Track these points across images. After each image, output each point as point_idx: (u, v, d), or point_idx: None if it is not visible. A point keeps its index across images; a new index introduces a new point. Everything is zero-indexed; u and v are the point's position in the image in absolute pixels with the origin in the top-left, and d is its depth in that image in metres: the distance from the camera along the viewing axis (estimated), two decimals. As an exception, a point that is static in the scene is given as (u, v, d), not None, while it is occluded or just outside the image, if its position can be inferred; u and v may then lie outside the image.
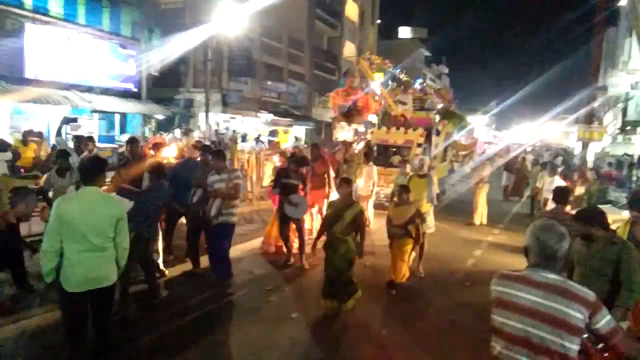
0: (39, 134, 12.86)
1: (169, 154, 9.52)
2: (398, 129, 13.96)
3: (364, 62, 15.32)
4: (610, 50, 29.21)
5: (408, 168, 9.12)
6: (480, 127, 50.36)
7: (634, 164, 18.08)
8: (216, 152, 6.76)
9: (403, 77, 16.27)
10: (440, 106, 15.82)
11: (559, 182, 9.90)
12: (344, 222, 5.60)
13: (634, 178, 15.85)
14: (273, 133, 26.85)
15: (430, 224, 7.89)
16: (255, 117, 25.71)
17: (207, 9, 19.92)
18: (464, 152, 17.77)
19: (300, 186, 7.63)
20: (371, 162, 10.58)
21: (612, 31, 29.28)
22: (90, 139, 9.57)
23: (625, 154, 21.35)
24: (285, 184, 7.47)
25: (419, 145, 13.24)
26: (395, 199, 7.36)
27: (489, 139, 46.48)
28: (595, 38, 16.78)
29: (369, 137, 14.62)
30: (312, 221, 9.01)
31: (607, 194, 10.13)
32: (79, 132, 14.68)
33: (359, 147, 13.85)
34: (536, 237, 2.37)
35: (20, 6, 15.18)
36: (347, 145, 13.44)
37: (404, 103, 14.53)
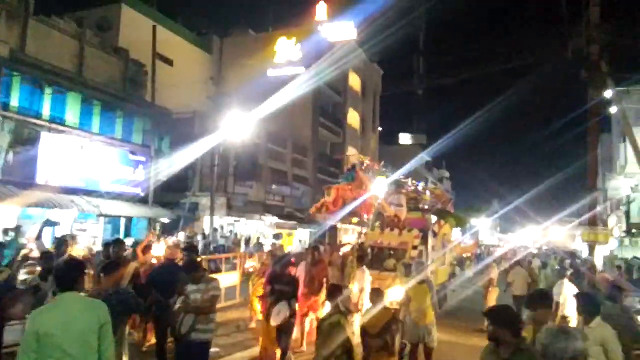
0: (73, 237, 12.55)
1: (159, 254, 8.98)
2: (392, 230, 13.11)
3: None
4: (607, 154, 30.00)
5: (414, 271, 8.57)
6: (484, 230, 50.23)
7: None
8: (192, 261, 6.15)
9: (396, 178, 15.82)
10: (436, 206, 15.43)
11: (568, 285, 9.63)
12: (323, 336, 4.95)
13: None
14: (277, 236, 26.85)
15: (435, 336, 7.12)
16: (259, 221, 25.89)
17: (216, 117, 20.93)
18: (466, 255, 17.35)
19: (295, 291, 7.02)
20: (364, 267, 9.76)
21: (607, 137, 30.28)
22: (65, 241, 9.39)
23: (635, 257, 21.02)
24: (278, 290, 6.90)
25: (415, 247, 12.41)
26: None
27: (494, 242, 46.13)
28: (590, 144, 17.31)
29: (362, 239, 14.01)
30: (303, 331, 8.31)
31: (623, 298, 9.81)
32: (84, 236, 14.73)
33: (344, 249, 13.15)
34: (544, 344, 2.28)
35: (38, 116, 16.03)
36: (333, 247, 12.93)
37: (398, 204, 14.03)
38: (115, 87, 19.60)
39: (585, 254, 25.68)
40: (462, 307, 13.46)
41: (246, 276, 12.03)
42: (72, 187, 16.66)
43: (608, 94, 16.19)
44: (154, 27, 21.15)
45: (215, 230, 21.57)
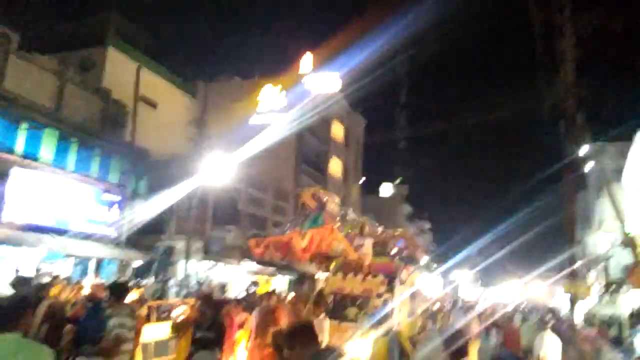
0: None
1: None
2: (355, 275, 11.84)
3: (306, 195, 12.42)
4: (585, 210, 30.26)
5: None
6: (465, 283, 49.80)
7: (623, 324, 17.50)
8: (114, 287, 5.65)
9: (355, 217, 14.47)
10: (405, 251, 14.35)
11: (550, 337, 9.31)
12: None
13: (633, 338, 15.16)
14: (255, 283, 26.09)
15: None
16: (237, 266, 25.20)
17: (196, 160, 20.70)
18: (436, 307, 16.34)
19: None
20: (323, 314, 8.83)
21: (583, 194, 30.62)
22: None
23: (614, 315, 20.79)
24: (199, 339, 6.18)
25: (380, 295, 11.20)
26: None
27: (475, 295, 45.60)
28: (566, 200, 17.39)
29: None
30: None
31: (603, 355, 9.56)
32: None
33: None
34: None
35: (10, 151, 15.62)
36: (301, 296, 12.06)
37: (361, 246, 12.93)
38: (94, 126, 19.35)
39: (564, 310, 25.35)
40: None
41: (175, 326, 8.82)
42: (40, 226, 16.05)
43: (584, 148, 16.41)
44: (138, 68, 21.20)
45: (189, 275, 20.86)
